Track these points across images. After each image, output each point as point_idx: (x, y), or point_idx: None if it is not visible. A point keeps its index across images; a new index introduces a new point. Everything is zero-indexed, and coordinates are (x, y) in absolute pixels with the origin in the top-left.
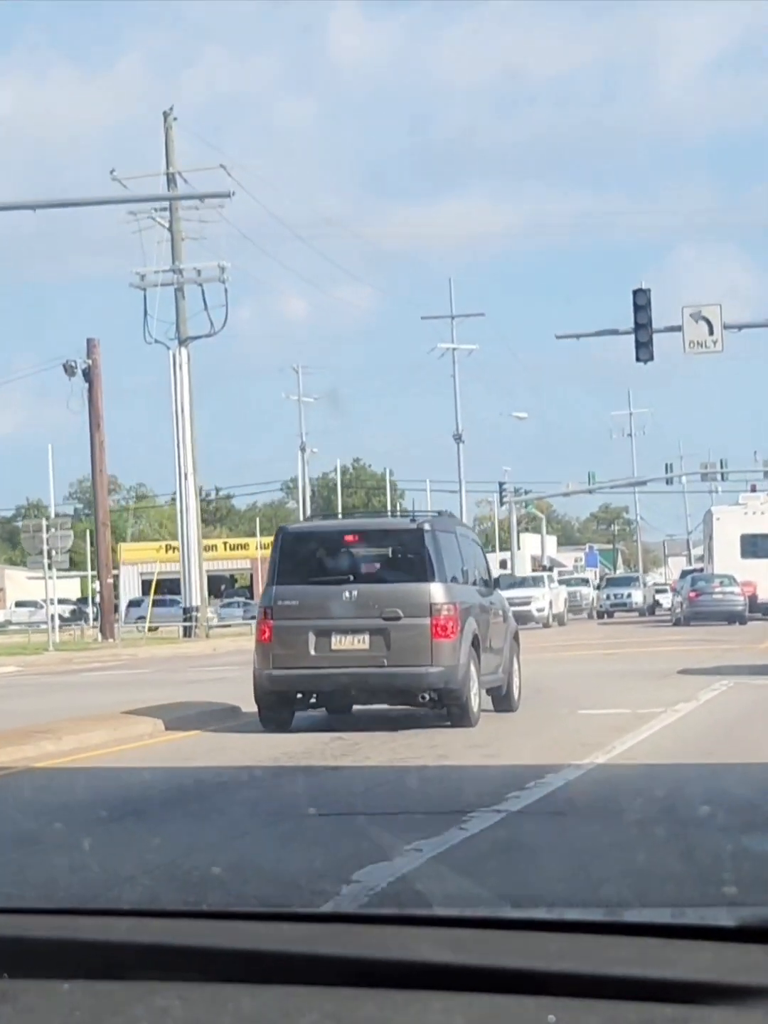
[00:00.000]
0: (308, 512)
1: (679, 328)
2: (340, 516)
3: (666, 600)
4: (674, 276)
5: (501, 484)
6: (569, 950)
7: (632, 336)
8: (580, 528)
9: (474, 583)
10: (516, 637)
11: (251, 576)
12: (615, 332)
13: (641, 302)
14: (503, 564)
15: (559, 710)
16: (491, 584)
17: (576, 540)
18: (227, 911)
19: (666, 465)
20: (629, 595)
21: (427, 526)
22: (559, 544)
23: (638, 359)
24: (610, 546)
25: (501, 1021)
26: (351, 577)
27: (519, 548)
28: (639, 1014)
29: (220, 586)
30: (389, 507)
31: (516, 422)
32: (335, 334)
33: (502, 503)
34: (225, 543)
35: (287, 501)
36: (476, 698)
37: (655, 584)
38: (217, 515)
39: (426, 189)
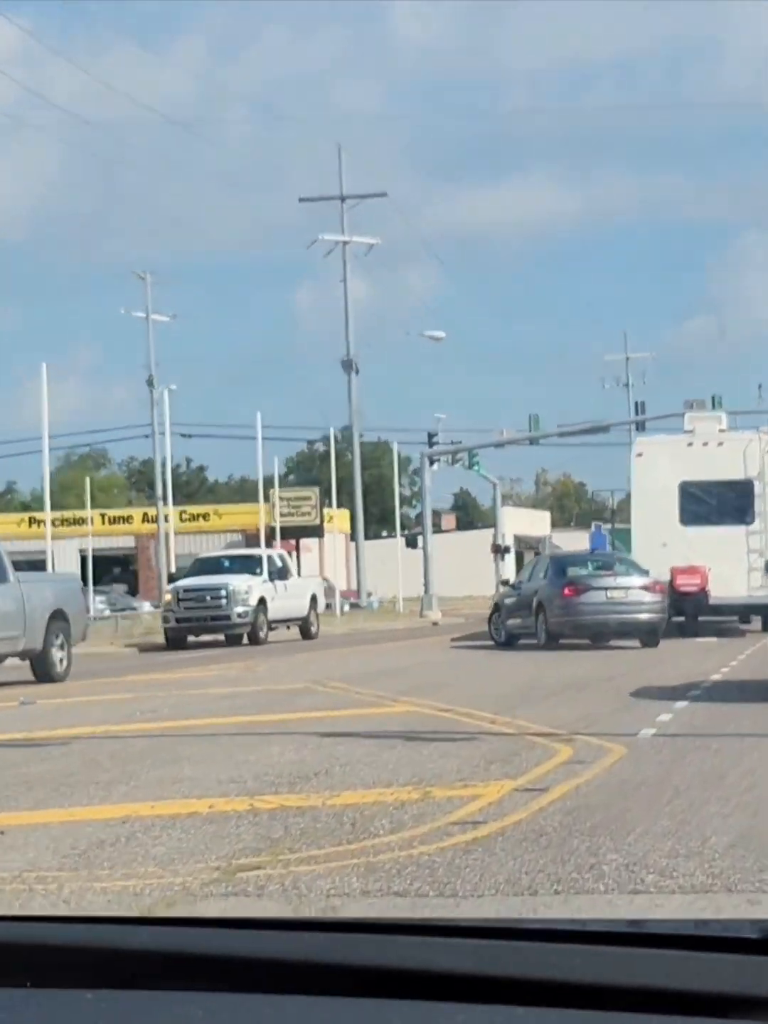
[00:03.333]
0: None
1: None
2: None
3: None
4: (739, 257)
5: (430, 435)
6: (592, 961)
7: None
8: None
9: None
10: None
11: (133, 558)
12: None
13: None
14: (498, 549)
15: None
16: None
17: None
18: (251, 919)
19: (636, 403)
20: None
21: None
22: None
23: None
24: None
25: None
26: None
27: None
28: None
29: (114, 570)
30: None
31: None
32: None
33: (431, 462)
34: (104, 515)
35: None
36: None
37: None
38: (187, 489)
39: (488, 172)
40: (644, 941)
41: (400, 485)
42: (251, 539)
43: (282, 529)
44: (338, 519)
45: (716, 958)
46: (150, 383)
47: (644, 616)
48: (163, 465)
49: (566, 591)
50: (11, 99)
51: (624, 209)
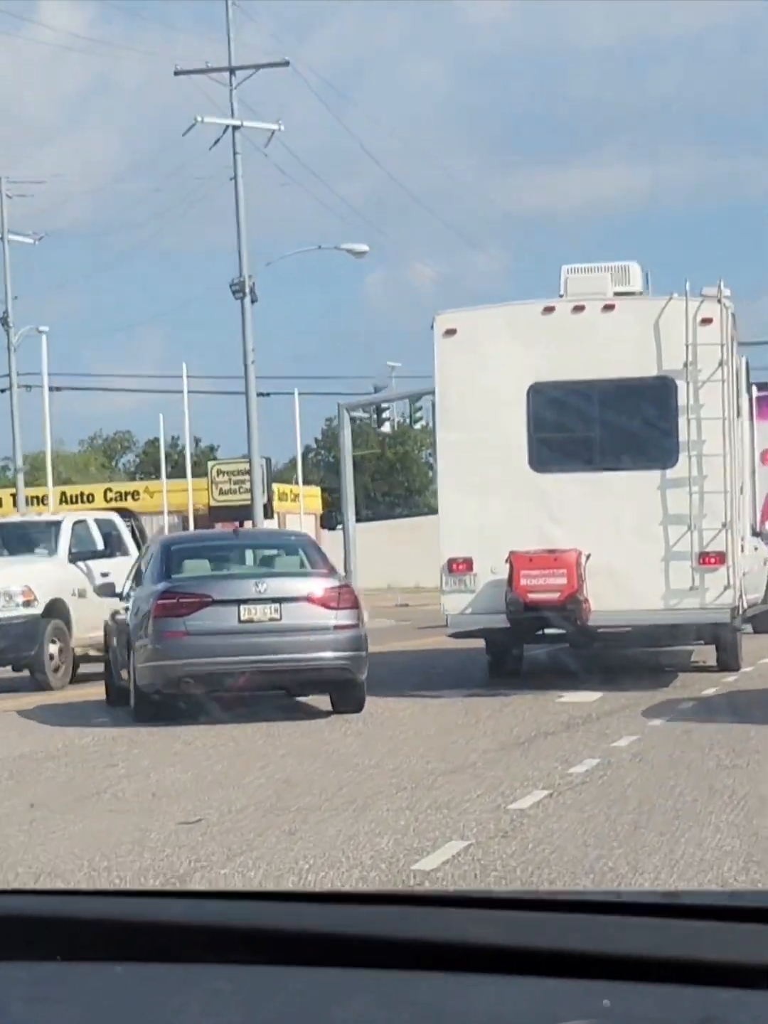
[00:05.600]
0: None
1: None
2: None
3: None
4: None
5: (376, 388)
6: (625, 932)
7: None
8: None
9: None
10: None
11: None
12: None
13: None
14: (329, 522)
15: None
16: None
17: None
18: (280, 892)
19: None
20: None
21: None
22: None
23: None
24: None
25: (555, 1005)
26: None
27: None
28: (695, 997)
29: None
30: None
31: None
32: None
33: (353, 418)
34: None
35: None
36: None
37: None
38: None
39: (556, 151)
40: (678, 912)
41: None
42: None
43: (220, 508)
44: (308, 498)
45: (751, 929)
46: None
47: (321, 657)
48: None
49: (158, 609)
50: None
51: (690, 187)
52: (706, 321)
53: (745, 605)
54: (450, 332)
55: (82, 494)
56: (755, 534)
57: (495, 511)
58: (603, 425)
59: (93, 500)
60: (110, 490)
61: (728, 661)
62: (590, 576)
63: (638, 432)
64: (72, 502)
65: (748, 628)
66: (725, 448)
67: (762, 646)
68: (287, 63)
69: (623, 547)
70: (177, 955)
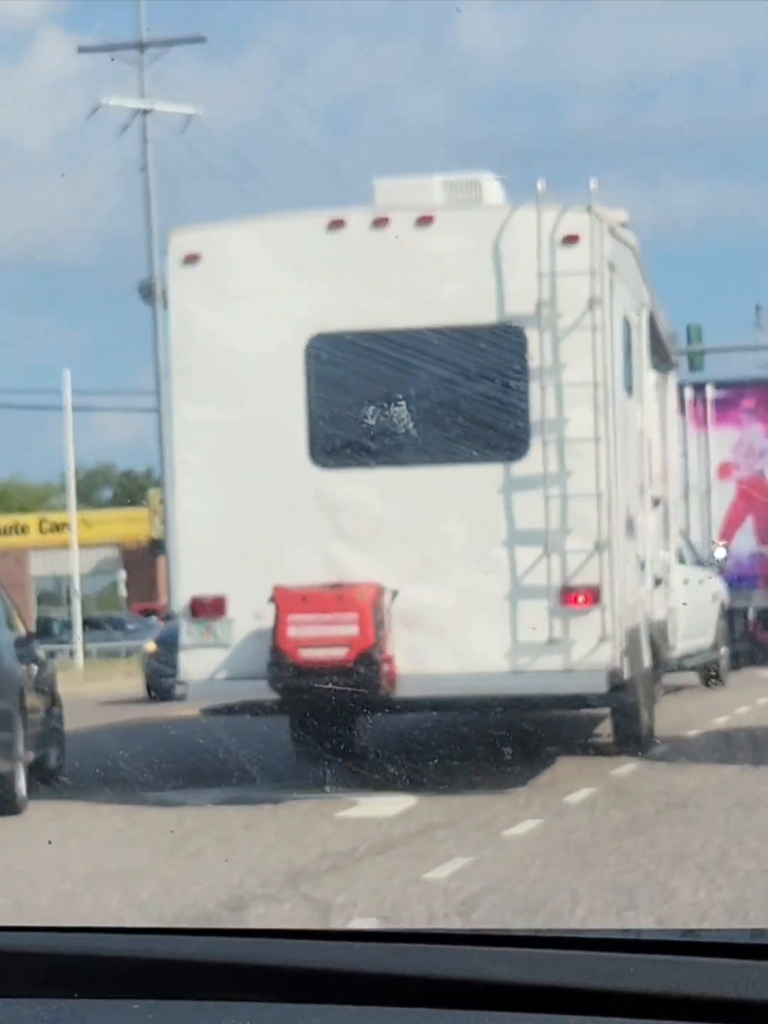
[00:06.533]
0: None
1: None
2: None
3: None
4: None
5: None
6: (646, 970)
7: None
8: None
9: None
10: None
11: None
12: None
13: None
14: None
15: None
16: None
17: None
18: (300, 930)
19: None
20: None
21: None
22: None
23: None
24: None
25: None
26: None
27: None
28: None
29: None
30: None
31: None
32: None
33: None
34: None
35: None
36: None
37: None
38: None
39: (558, 180)
40: (698, 950)
41: None
42: (130, 555)
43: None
44: None
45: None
46: None
47: None
48: None
49: None
50: None
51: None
52: (570, 240)
53: (649, 661)
54: (191, 259)
55: (16, 525)
56: (700, 563)
57: (258, 526)
58: (418, 397)
59: (27, 531)
60: (45, 521)
61: (629, 734)
62: (398, 623)
63: (470, 408)
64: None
65: (696, 676)
66: (600, 429)
67: (716, 703)
68: (203, 39)
69: (447, 579)
70: (195, 993)
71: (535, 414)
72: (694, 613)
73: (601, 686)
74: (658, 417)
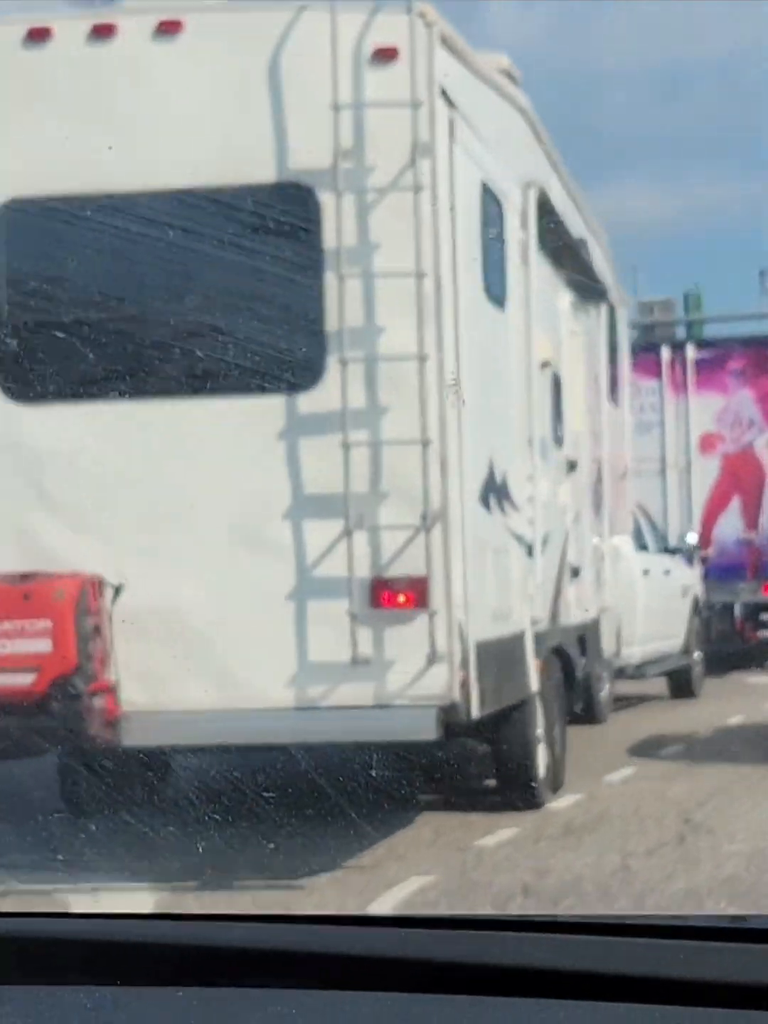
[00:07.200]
0: None
1: None
2: None
3: None
4: None
5: None
6: (694, 957)
7: None
8: None
9: None
10: None
11: None
12: None
13: None
14: None
15: None
16: None
17: None
18: (346, 916)
19: None
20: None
21: None
22: None
23: None
24: None
25: None
26: None
27: None
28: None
29: None
30: None
31: None
32: None
33: None
34: None
35: None
36: None
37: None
38: None
39: (585, 175)
40: (747, 936)
41: None
42: None
43: None
44: None
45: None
46: None
47: None
48: None
49: None
50: None
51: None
52: (383, 56)
53: (537, 684)
54: None
55: None
56: (668, 550)
57: None
58: (158, 297)
59: None
60: None
61: (512, 780)
62: (123, 635)
63: (233, 312)
64: None
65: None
66: (428, 344)
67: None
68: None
69: (200, 569)
70: (239, 979)
71: (331, 321)
72: (657, 611)
73: (430, 729)
74: (584, 357)
